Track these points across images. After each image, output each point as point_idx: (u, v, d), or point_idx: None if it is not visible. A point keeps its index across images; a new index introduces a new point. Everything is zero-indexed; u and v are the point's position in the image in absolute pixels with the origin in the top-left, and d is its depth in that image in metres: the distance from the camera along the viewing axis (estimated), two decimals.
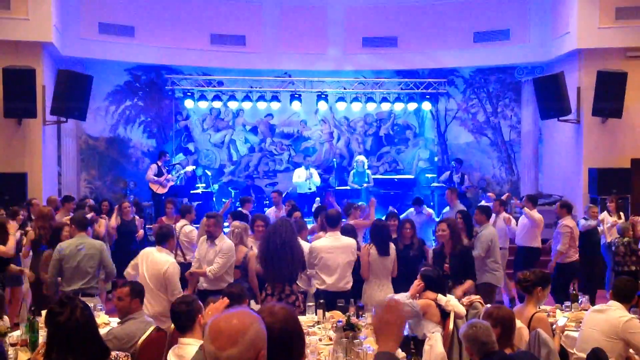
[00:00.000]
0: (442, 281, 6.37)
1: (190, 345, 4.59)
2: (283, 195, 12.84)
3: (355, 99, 15.73)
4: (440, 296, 6.08)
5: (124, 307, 5.39)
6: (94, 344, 3.45)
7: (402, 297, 6.13)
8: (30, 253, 8.67)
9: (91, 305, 6.17)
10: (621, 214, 11.06)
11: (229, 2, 15.45)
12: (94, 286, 7.11)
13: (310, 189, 14.49)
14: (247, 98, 15.57)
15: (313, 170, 14.88)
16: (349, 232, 7.97)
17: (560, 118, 13.64)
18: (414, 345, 5.05)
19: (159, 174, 13.97)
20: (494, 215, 9.83)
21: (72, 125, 14.53)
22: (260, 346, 2.29)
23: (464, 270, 7.32)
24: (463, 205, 11.80)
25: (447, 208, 11.42)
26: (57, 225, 8.13)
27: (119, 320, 5.54)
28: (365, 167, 14.91)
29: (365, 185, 14.59)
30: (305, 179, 14.58)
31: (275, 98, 15.55)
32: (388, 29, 15.76)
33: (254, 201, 12.48)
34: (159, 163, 14.12)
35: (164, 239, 6.94)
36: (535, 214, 10.36)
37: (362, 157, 15.17)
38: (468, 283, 7.18)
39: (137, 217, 11.10)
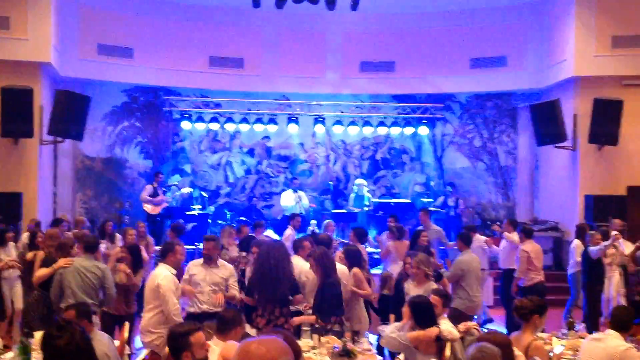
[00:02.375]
0: (432, 309, 6.20)
1: None
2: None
3: (352, 123, 15.78)
4: (442, 330, 5.95)
5: None
6: None
7: (392, 328, 6.06)
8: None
9: None
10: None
11: (228, 25, 15.54)
12: (92, 306, 7.06)
13: (301, 212, 14.38)
14: (244, 120, 15.60)
15: (302, 194, 14.83)
16: (352, 255, 7.88)
17: (556, 145, 13.69)
18: None
19: (154, 194, 13.95)
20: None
21: (68, 145, 14.53)
22: None
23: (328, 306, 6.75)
24: (453, 231, 12.01)
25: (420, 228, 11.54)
26: (65, 243, 8.06)
27: None
28: (365, 190, 14.93)
29: (365, 208, 14.58)
30: (294, 202, 14.54)
31: (272, 121, 15.60)
32: (386, 53, 15.86)
33: (265, 225, 12.29)
34: (154, 184, 14.12)
35: (164, 254, 6.96)
36: (515, 236, 10.66)
37: (362, 180, 15.20)
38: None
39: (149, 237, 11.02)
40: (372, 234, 12.89)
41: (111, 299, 7.40)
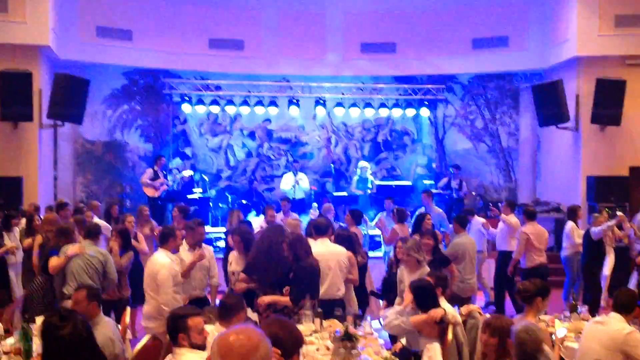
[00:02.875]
0: (435, 292, 6.21)
1: (184, 355, 4.53)
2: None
3: (354, 105, 15.68)
4: (447, 312, 5.94)
5: (80, 311, 5.26)
6: (94, 356, 3.39)
7: (394, 313, 6.03)
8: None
9: None
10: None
11: (228, 7, 15.41)
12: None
13: (295, 195, 14.32)
14: (245, 103, 15.51)
15: (302, 176, 14.75)
16: (344, 240, 7.91)
17: (558, 125, 13.62)
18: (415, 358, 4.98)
19: (155, 178, 13.92)
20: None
21: (68, 129, 14.47)
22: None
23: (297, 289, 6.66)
24: (455, 213, 12.05)
25: (423, 209, 11.58)
26: (66, 228, 8.04)
27: None
28: (369, 173, 14.88)
29: (368, 191, 14.55)
30: (291, 185, 14.49)
31: (273, 103, 15.51)
32: (387, 35, 15.74)
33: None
34: (155, 167, 14.08)
35: (165, 239, 6.93)
36: (512, 218, 10.68)
37: (365, 163, 15.13)
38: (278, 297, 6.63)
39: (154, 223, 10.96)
40: (374, 216, 12.88)
41: (113, 284, 7.42)
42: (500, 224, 10.93)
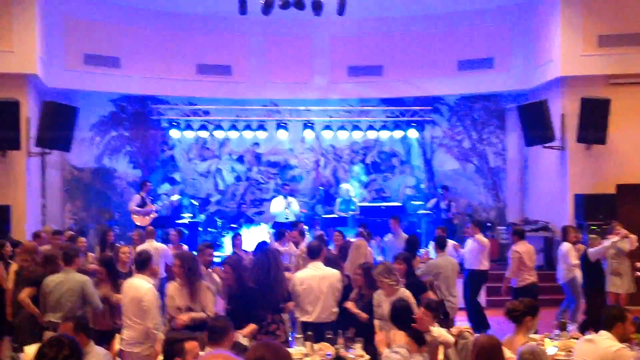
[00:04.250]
0: (411, 311, 6.30)
1: None
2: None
3: (342, 128, 15.76)
4: (437, 333, 5.96)
5: None
6: None
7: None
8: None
9: None
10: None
11: (215, 33, 15.51)
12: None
13: (287, 218, 14.35)
14: (233, 127, 15.55)
15: (292, 199, 14.82)
16: (331, 262, 7.93)
17: (544, 145, 13.72)
18: None
19: (143, 204, 13.88)
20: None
21: (56, 156, 14.44)
22: None
23: (246, 313, 6.71)
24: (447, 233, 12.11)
25: (390, 235, 11.64)
26: (52, 255, 7.99)
27: None
28: (352, 194, 14.93)
29: (351, 213, 14.58)
30: (283, 208, 14.52)
31: (261, 127, 15.58)
32: (373, 58, 15.86)
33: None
34: (142, 193, 14.03)
35: (143, 265, 6.89)
36: (482, 237, 10.78)
37: (347, 185, 15.23)
38: (250, 327, 6.55)
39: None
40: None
41: (98, 311, 7.29)
42: (470, 243, 10.94)
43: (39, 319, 7.17)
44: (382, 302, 6.97)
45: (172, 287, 6.67)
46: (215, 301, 6.89)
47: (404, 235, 11.32)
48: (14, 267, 8.55)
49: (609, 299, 10.39)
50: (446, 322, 8.99)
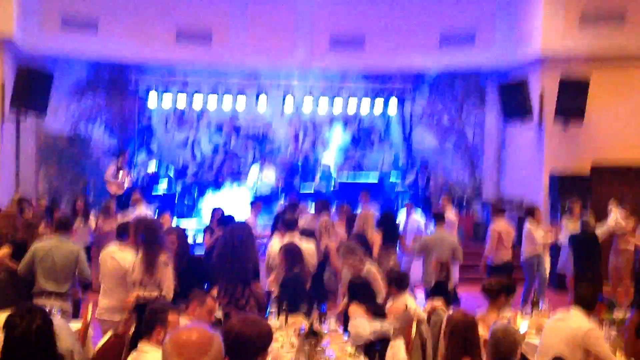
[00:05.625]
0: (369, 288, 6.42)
1: (148, 353, 4.48)
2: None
3: (321, 99, 15.69)
4: (410, 308, 6.04)
5: None
6: (50, 357, 3.34)
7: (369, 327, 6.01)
8: None
9: (59, 309, 6.24)
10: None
11: None
12: (67, 290, 6.96)
13: (259, 191, 14.26)
14: (212, 94, 15.35)
15: (268, 171, 14.67)
16: (307, 234, 7.96)
17: (522, 123, 13.78)
18: (379, 357, 5.01)
19: (119, 173, 13.75)
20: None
21: (31, 122, 14.20)
22: (223, 354, 2.41)
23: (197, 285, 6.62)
24: (422, 209, 12.19)
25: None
26: (31, 222, 7.91)
27: None
28: (332, 170, 14.91)
29: (331, 188, 14.58)
30: (253, 181, 14.42)
31: (241, 94, 15.37)
32: (355, 29, 15.71)
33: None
34: (119, 163, 13.88)
35: (123, 233, 6.84)
36: (450, 214, 10.94)
37: (328, 160, 15.16)
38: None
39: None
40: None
41: (87, 280, 7.30)
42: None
43: (19, 274, 7.13)
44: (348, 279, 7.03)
45: (136, 259, 6.42)
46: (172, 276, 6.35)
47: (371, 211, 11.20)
48: None
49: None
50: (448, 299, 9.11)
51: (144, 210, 10.92)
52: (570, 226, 10.85)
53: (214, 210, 10.24)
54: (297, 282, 6.71)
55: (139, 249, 6.25)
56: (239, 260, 6.72)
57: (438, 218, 9.57)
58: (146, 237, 6.22)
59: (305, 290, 6.81)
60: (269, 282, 7.37)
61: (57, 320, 5.26)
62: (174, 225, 8.43)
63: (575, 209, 11.14)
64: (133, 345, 5.08)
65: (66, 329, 5.35)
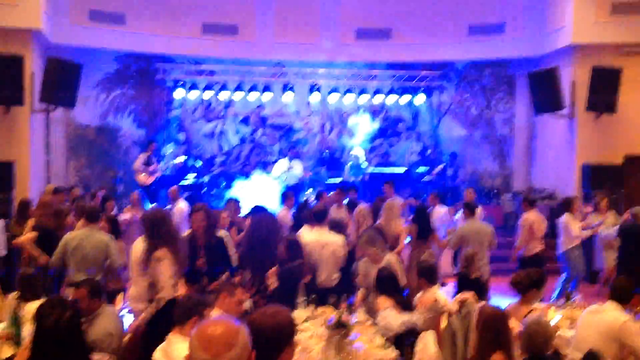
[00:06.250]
0: (396, 280, 6.35)
1: (178, 343, 4.48)
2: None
3: (348, 91, 15.62)
4: (440, 300, 5.97)
5: (82, 308, 5.13)
6: (77, 350, 3.33)
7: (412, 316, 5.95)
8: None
9: None
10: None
11: None
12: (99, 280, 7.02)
13: (287, 182, 14.23)
14: (238, 88, 15.43)
15: (295, 163, 14.62)
16: (336, 226, 7.90)
17: (553, 113, 13.57)
18: (410, 349, 4.96)
19: (148, 164, 13.85)
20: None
21: (60, 113, 14.34)
22: (250, 346, 2.37)
23: (222, 263, 6.68)
24: (449, 201, 12.11)
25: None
26: (60, 210, 8.00)
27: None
28: (362, 160, 14.84)
29: (360, 178, 14.50)
30: (282, 172, 14.38)
31: (267, 89, 15.44)
32: (382, 20, 15.63)
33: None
34: (148, 153, 14.00)
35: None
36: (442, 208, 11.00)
37: (358, 150, 15.11)
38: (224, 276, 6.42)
39: None
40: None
41: (115, 272, 7.32)
42: (461, 213, 10.90)
43: (39, 261, 7.19)
44: (369, 270, 6.93)
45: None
46: (174, 273, 5.96)
47: (399, 200, 11.09)
48: (30, 222, 8.52)
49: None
50: (482, 294, 9.01)
51: (182, 204, 10.96)
52: (596, 221, 10.67)
53: (229, 200, 10.22)
54: (293, 274, 6.65)
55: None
56: (266, 250, 6.73)
57: (469, 209, 9.45)
58: (147, 230, 6.03)
59: (299, 284, 6.77)
60: (268, 274, 7.30)
61: (102, 309, 5.32)
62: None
63: (601, 203, 10.92)
64: (152, 337, 5.10)
65: (110, 313, 5.39)
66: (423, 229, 9.14)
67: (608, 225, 10.54)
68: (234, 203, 9.98)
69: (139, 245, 6.60)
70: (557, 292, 9.93)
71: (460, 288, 7.05)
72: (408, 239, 9.31)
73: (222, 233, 7.18)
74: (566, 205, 10.34)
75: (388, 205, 9.21)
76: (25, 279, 6.13)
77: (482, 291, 9.12)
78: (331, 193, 11.27)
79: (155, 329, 5.16)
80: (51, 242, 7.33)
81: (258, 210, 8.42)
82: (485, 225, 9.53)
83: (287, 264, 6.70)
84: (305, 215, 8.34)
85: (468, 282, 7.81)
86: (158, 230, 5.97)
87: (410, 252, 9.19)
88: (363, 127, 16.34)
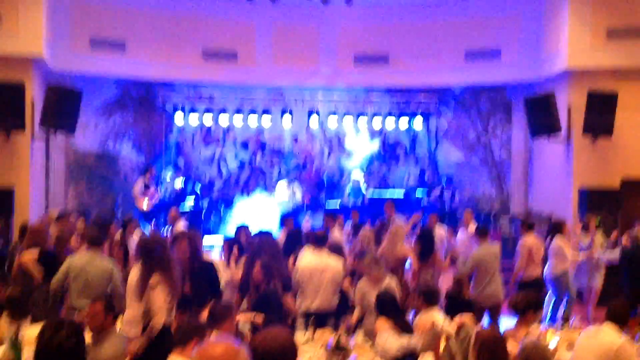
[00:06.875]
0: (396, 302, 6.39)
1: None
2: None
3: (347, 114, 15.74)
4: (438, 323, 5.99)
5: (97, 325, 5.18)
6: None
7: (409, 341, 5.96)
8: None
9: None
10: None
11: (221, 18, 15.42)
12: None
13: (294, 205, 14.36)
14: (238, 112, 15.52)
15: (296, 187, 14.74)
16: (336, 250, 7.92)
17: (550, 137, 13.66)
18: None
19: (147, 188, 13.89)
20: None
21: (60, 139, 14.44)
22: None
23: (209, 289, 6.62)
24: (447, 224, 12.13)
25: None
26: (62, 237, 8.02)
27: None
28: (362, 183, 14.91)
29: (360, 201, 14.55)
30: (288, 195, 14.45)
31: (266, 113, 15.52)
32: (379, 46, 15.78)
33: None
34: (146, 178, 14.03)
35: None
36: (473, 228, 10.68)
37: (357, 174, 15.18)
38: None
39: None
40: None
41: (120, 298, 7.27)
42: (460, 234, 11.17)
43: (35, 281, 7.27)
44: (369, 291, 6.93)
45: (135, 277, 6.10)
46: (168, 301, 5.89)
47: (399, 222, 11.13)
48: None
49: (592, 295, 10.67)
50: (495, 315, 9.04)
51: (181, 225, 10.98)
52: (585, 241, 10.69)
53: (240, 227, 10.11)
54: (272, 298, 6.66)
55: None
56: (269, 273, 6.77)
57: (482, 233, 9.43)
58: (142, 257, 5.96)
59: (280, 306, 6.75)
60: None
61: (112, 329, 5.32)
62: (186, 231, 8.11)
63: (590, 223, 10.96)
64: None
65: (118, 335, 5.40)
66: (426, 251, 9.18)
67: (596, 246, 10.64)
68: (244, 230, 9.91)
69: (135, 270, 6.60)
70: (548, 316, 9.91)
71: (449, 310, 7.05)
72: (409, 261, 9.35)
73: (210, 258, 7.22)
74: (557, 228, 10.35)
75: (394, 230, 9.24)
76: (12, 299, 6.14)
77: (473, 313, 9.16)
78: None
79: (150, 355, 5.18)
80: (53, 265, 7.32)
81: (261, 234, 8.47)
82: (497, 247, 9.58)
83: (262, 287, 6.71)
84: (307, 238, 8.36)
85: (457, 304, 7.85)
86: (152, 256, 5.92)
87: (412, 274, 9.21)
88: (361, 149, 16.44)
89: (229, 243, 8.52)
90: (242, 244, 8.45)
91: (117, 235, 9.85)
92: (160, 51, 15.00)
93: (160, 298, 5.77)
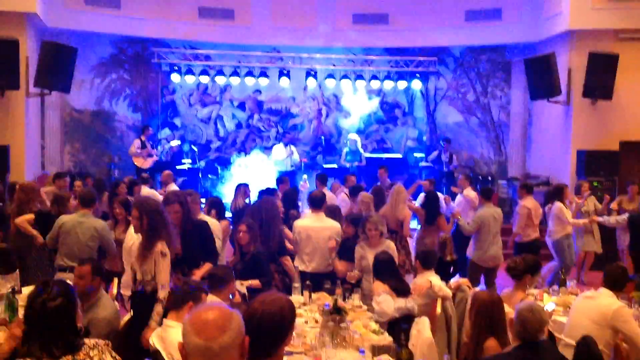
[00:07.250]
0: (394, 265, 6.39)
1: (174, 328, 4.51)
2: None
3: (345, 77, 15.58)
4: (434, 285, 6.01)
5: (84, 285, 5.14)
6: (69, 332, 3.32)
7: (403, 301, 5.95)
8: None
9: None
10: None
11: None
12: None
13: (292, 166, 14.30)
14: (235, 73, 15.36)
15: (293, 148, 14.66)
16: (333, 213, 7.89)
17: (549, 99, 13.55)
18: (404, 335, 4.97)
19: (143, 148, 13.82)
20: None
21: (56, 97, 14.26)
22: (243, 331, 2.36)
23: (202, 251, 6.48)
24: (445, 186, 12.08)
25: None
26: (62, 196, 7.97)
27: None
28: (359, 145, 14.83)
29: (356, 163, 14.49)
30: (285, 156, 14.38)
31: (263, 74, 15.39)
32: (379, 5, 15.56)
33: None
34: (143, 138, 13.96)
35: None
36: (470, 192, 10.83)
37: (355, 135, 15.10)
38: (206, 266, 6.25)
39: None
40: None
41: (112, 257, 7.30)
42: (458, 198, 11.06)
43: (36, 242, 7.34)
44: (367, 253, 6.89)
45: (137, 242, 5.80)
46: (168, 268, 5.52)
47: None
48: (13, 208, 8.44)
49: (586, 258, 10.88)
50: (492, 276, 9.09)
51: (173, 188, 10.82)
52: (577, 205, 10.69)
53: (239, 185, 10.07)
54: (259, 259, 6.65)
55: (140, 232, 5.62)
56: (266, 235, 6.76)
57: (486, 194, 9.46)
58: (146, 223, 5.51)
59: (268, 266, 6.79)
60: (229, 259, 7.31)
61: (102, 292, 5.32)
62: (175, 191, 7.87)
63: (582, 188, 10.94)
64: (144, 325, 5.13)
65: (108, 300, 5.40)
66: (431, 215, 9.18)
67: (588, 210, 10.74)
68: (244, 188, 9.88)
69: (132, 233, 6.51)
70: (550, 280, 9.92)
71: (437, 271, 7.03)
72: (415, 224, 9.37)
73: (205, 218, 7.14)
74: (557, 193, 10.29)
75: (396, 190, 9.18)
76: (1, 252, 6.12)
77: (455, 272, 9.21)
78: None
79: (148, 317, 5.17)
80: (50, 225, 7.29)
81: (266, 193, 8.45)
82: (499, 209, 9.60)
83: (248, 248, 6.69)
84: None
85: (442, 264, 7.91)
86: (156, 222, 5.54)
87: (418, 237, 9.23)
88: (359, 110, 16.32)
89: (208, 204, 8.28)
90: (222, 206, 8.30)
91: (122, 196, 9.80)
92: (155, 8, 14.76)
93: (166, 266, 5.46)
